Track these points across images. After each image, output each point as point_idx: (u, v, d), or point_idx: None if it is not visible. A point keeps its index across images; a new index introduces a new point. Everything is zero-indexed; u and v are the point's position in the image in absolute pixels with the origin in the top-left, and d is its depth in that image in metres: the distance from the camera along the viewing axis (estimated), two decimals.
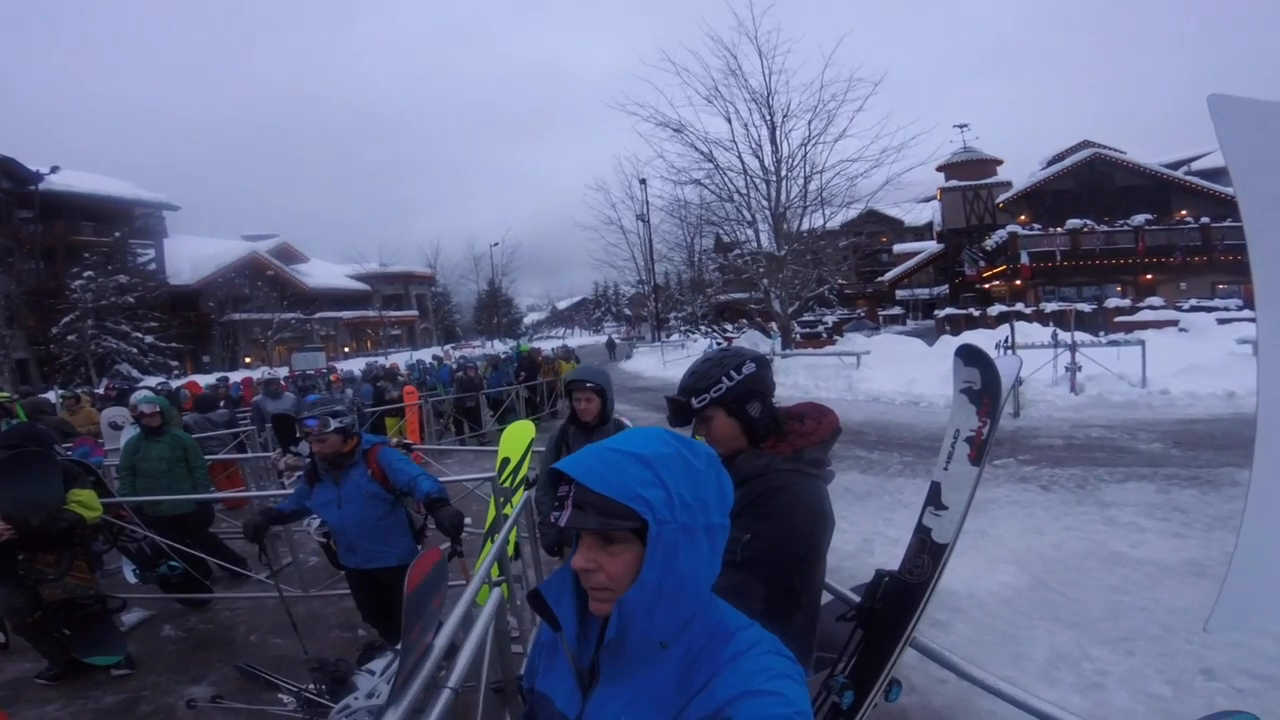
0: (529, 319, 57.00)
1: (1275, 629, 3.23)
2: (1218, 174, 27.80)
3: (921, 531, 2.07)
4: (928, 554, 2.05)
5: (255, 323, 29.94)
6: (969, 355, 2.08)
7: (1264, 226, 1.14)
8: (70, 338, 21.94)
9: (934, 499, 2.08)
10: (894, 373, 13.96)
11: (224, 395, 12.80)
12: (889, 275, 36.72)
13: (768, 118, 17.25)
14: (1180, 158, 27.64)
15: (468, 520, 3.65)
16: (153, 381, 19.22)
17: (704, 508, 0.84)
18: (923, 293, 36.97)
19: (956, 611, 3.89)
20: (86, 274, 23.11)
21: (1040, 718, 1.59)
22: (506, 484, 4.97)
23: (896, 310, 38.45)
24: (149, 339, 22.06)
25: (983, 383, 2.01)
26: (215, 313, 28.66)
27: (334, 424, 3.09)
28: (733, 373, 1.56)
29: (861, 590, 2.02)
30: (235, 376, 18.96)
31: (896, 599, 1.97)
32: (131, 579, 4.73)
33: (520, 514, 4.03)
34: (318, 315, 36.19)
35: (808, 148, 17.13)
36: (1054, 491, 6.18)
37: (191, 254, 29.34)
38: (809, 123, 16.84)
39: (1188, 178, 24.61)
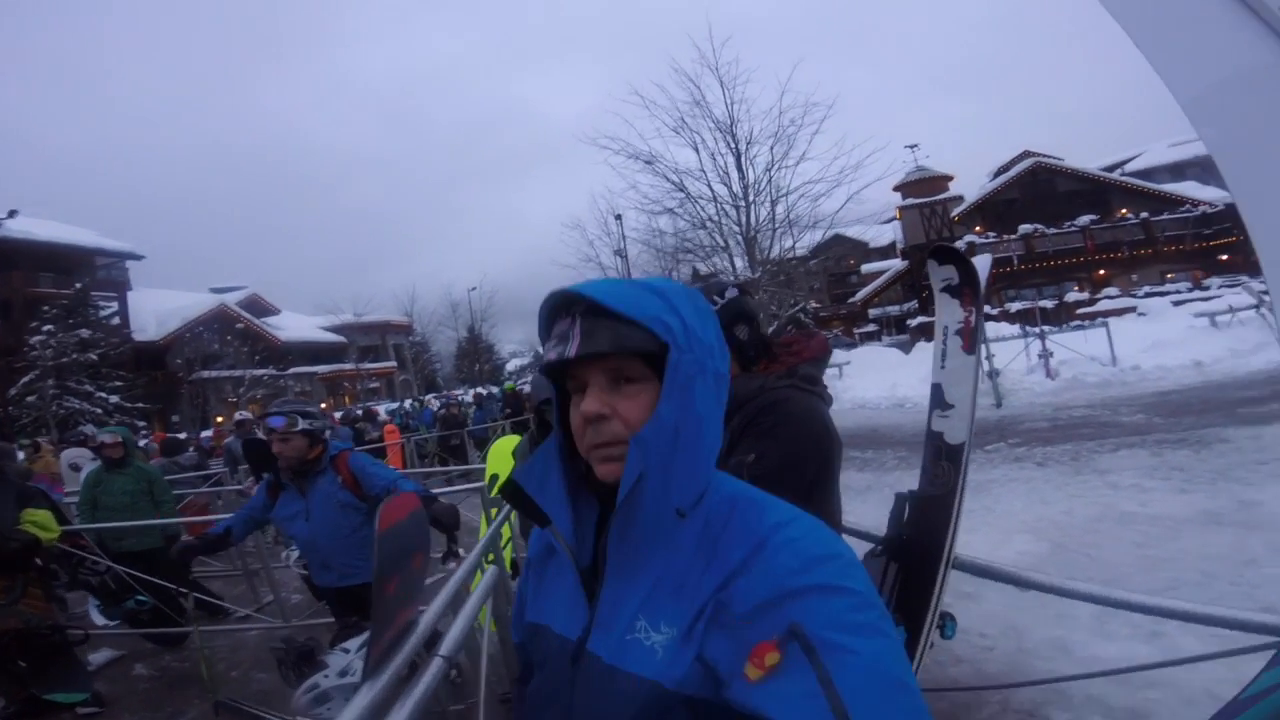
0: (511, 365, 56.47)
1: None
2: (1151, 173, 29.65)
3: (933, 438, 2.00)
4: (945, 459, 1.96)
5: (226, 380, 29.19)
6: (942, 255, 2.07)
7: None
8: (30, 399, 21.02)
9: (938, 401, 2.03)
10: (876, 379, 14.17)
11: (194, 444, 12.40)
12: (860, 295, 37.45)
13: (732, 145, 17.74)
14: (1115, 160, 29.27)
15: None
16: None
17: (711, 350, 0.75)
18: (894, 309, 37.68)
19: (983, 583, 3.80)
20: (46, 329, 22.09)
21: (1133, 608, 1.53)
22: (496, 494, 4.87)
23: (871, 328, 39.07)
24: (114, 399, 21.19)
25: (960, 276, 2.01)
26: (183, 370, 27.91)
27: (302, 423, 2.81)
28: (716, 298, 1.54)
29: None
30: (207, 434, 18.44)
31: (925, 519, 1.87)
32: (99, 619, 4.43)
33: (507, 517, 3.87)
34: (291, 371, 35.43)
35: (772, 172, 17.62)
36: (1050, 466, 6.22)
37: (156, 307, 28.51)
38: (771, 148, 17.31)
39: (1124, 178, 26.22)
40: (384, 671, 1.58)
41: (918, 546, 1.80)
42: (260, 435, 9.18)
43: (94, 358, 22.36)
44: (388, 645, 1.68)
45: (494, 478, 5.01)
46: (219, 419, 25.79)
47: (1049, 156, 27.03)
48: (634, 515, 0.70)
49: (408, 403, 25.82)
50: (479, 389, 24.27)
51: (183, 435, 17.01)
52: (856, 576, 0.64)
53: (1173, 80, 1.07)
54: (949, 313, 2.02)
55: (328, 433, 3.00)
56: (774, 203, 18.18)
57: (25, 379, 21.44)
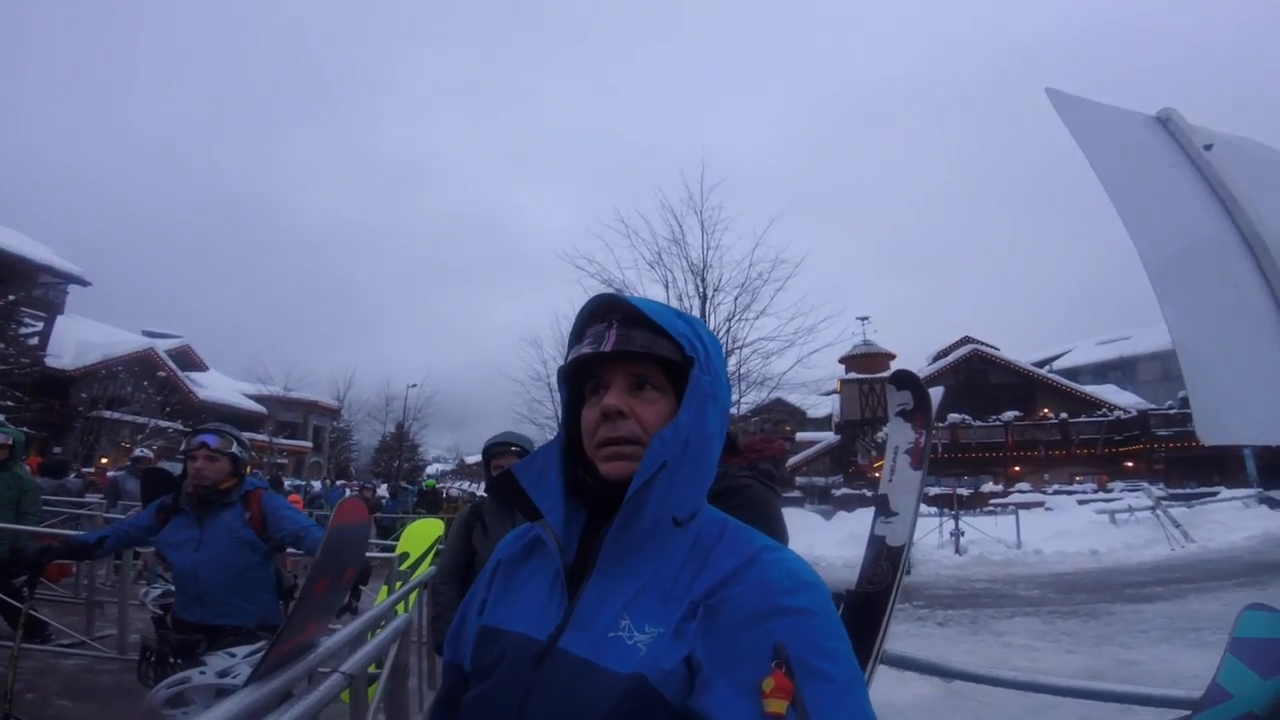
0: (433, 468, 54.06)
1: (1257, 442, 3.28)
2: (1076, 372, 32.18)
3: (876, 541, 2.19)
4: (885, 559, 2.14)
5: (126, 424, 27.13)
6: (900, 381, 2.40)
7: (1135, 214, 1.41)
8: None
9: (883, 509, 2.24)
10: (794, 537, 14.18)
11: (77, 474, 11.49)
12: (791, 461, 38.23)
13: (701, 289, 18.17)
14: (1047, 355, 31.87)
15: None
16: None
17: (723, 383, 0.81)
18: (820, 480, 38.50)
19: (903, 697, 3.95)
20: None
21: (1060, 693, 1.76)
22: (405, 569, 4.79)
23: (795, 494, 39.58)
24: None
25: (914, 402, 2.32)
26: (85, 405, 25.88)
27: (234, 447, 2.77)
28: None
29: None
30: (88, 470, 16.96)
31: (859, 614, 2.02)
32: None
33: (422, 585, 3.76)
34: (210, 426, 32.94)
35: (732, 323, 17.90)
36: (950, 627, 6.50)
37: (80, 337, 26.72)
38: (736, 298, 17.84)
39: (1050, 375, 28.59)
40: (274, 679, 1.51)
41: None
42: (165, 468, 8.75)
43: None
44: (288, 652, 1.62)
45: (404, 555, 4.98)
46: (104, 459, 23.69)
47: (987, 345, 29.24)
48: (635, 514, 0.73)
49: (317, 483, 24.41)
50: (399, 484, 23.24)
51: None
52: (834, 608, 0.68)
53: (1142, 244, 1.38)
54: (901, 433, 2.30)
55: (248, 469, 2.94)
56: (728, 354, 18.67)
57: None
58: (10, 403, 20.29)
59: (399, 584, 4.37)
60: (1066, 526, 11.76)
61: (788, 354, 17.79)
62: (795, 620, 0.64)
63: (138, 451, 10.69)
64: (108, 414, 26.67)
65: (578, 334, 0.83)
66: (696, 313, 18.22)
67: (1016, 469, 25.18)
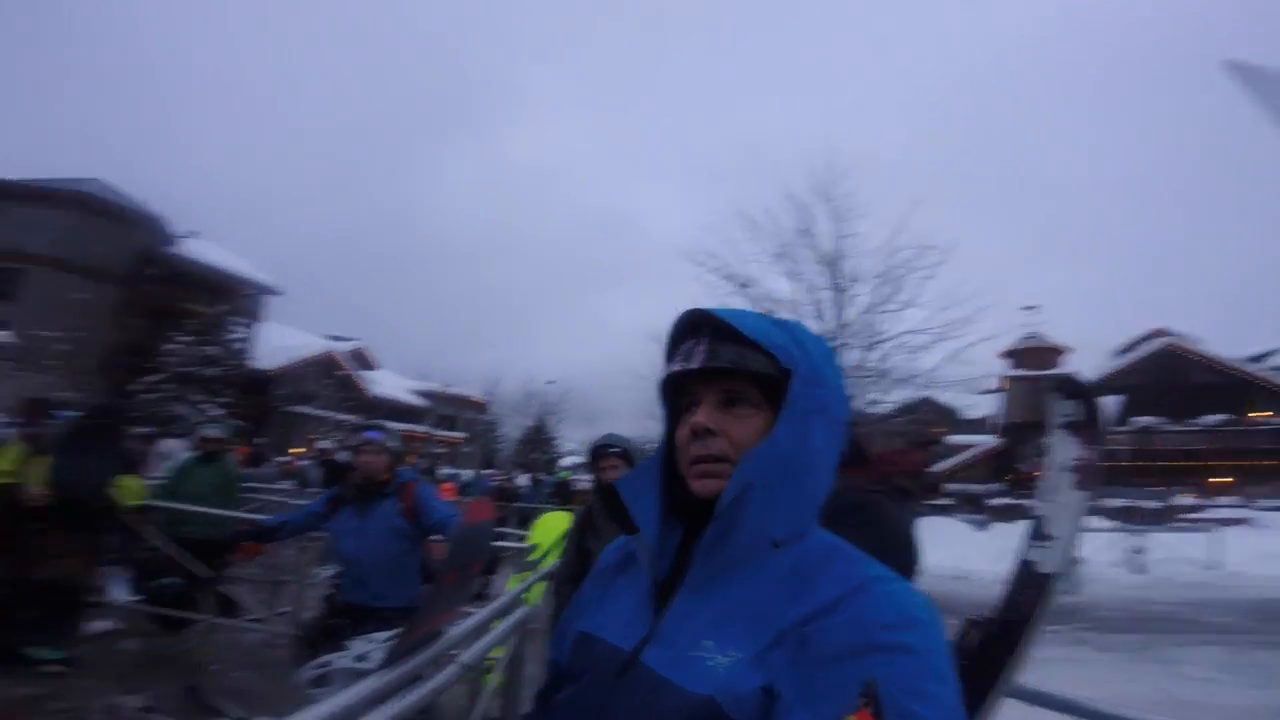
0: (567, 460, 57.03)
1: None
2: None
3: (1024, 566, 1.95)
4: (1032, 587, 1.91)
5: (313, 418, 31.23)
6: (1069, 390, 2.13)
7: None
8: (148, 395, 22.68)
9: (1035, 532, 1.99)
10: (942, 549, 13.27)
11: (271, 461, 13.33)
12: (942, 465, 35.45)
13: (834, 281, 16.88)
14: (1261, 351, 25.84)
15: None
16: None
17: (833, 392, 0.76)
18: (975, 487, 35.40)
19: None
20: (182, 340, 24.08)
21: None
22: (534, 559, 5.03)
23: (946, 501, 36.71)
24: (217, 412, 22.92)
25: (1085, 414, 2.06)
26: (282, 402, 30.07)
27: (392, 443, 3.12)
28: None
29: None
30: (281, 460, 19.60)
31: (990, 645, 1.84)
32: (119, 595, 4.72)
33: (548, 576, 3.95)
34: (373, 423, 36.94)
35: (873, 314, 16.49)
36: (1113, 652, 5.76)
37: (272, 341, 30.91)
38: (875, 289, 16.44)
39: (1268, 373, 23.55)
40: (401, 665, 1.61)
41: (974, 672, 1.68)
42: (340, 459, 9.92)
43: (211, 374, 24.60)
44: (418, 640, 1.72)
45: (534, 545, 5.24)
46: (296, 449, 27.25)
47: (1185, 338, 24.87)
48: (728, 533, 0.71)
49: (467, 472, 26.48)
50: (538, 475, 24.54)
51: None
52: (944, 648, 0.63)
53: None
54: (1064, 450, 2.07)
55: (408, 459, 3.33)
56: (868, 347, 17.37)
57: (151, 378, 23.61)
58: (227, 399, 24.09)
59: (528, 574, 4.60)
60: (1278, 547, 9.93)
61: (937, 348, 16.11)
62: (893, 658, 0.60)
63: (322, 443, 12.17)
64: (299, 409, 30.66)
65: (670, 350, 0.82)
66: (828, 306, 17.30)
67: (1219, 480, 21.61)
